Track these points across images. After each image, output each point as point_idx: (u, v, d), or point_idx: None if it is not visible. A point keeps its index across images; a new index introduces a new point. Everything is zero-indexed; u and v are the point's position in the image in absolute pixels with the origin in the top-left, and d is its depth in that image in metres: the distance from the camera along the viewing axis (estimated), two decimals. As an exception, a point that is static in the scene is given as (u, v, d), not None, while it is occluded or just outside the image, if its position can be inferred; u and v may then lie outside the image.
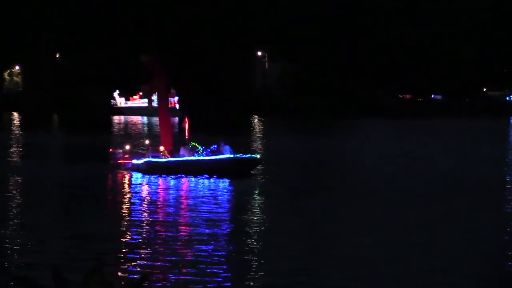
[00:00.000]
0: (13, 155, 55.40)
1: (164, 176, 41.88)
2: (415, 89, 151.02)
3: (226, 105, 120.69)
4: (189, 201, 34.52)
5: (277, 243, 24.69)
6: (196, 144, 43.37)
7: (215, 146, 43.07)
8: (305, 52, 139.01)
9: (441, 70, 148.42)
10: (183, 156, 43.11)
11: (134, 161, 43.89)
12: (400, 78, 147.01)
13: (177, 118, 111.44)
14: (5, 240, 24.61)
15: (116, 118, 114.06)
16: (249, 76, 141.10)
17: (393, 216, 30.11)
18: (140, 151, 48.67)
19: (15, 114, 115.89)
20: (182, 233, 26.25)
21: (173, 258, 22.24)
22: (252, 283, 19.90)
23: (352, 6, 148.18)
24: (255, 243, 24.79)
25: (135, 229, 26.85)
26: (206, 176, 41.47)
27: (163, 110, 47.44)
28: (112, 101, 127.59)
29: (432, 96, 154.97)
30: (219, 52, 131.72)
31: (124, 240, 24.94)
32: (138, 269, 20.86)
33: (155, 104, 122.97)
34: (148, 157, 43.57)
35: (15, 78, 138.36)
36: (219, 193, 36.77)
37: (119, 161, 44.59)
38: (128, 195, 36.42)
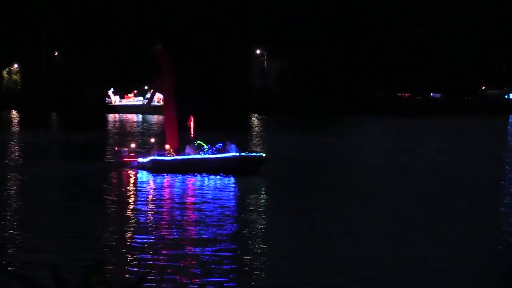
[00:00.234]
0: (12, 154, 55.38)
1: (169, 174, 41.94)
2: (415, 88, 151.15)
3: (226, 105, 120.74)
4: (193, 200, 34.51)
5: (278, 243, 24.68)
6: (201, 142, 43.48)
7: (221, 144, 43.20)
8: (305, 52, 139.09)
9: (441, 70, 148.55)
10: (189, 154, 43.21)
11: (140, 160, 43.92)
12: (400, 78, 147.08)
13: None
14: (5, 239, 24.61)
15: (111, 116, 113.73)
16: (248, 76, 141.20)
17: (393, 216, 30.10)
18: (142, 150, 48.56)
19: (14, 112, 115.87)
20: (185, 233, 26.22)
21: (173, 258, 22.22)
22: (252, 284, 19.89)
23: (352, 6, 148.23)
24: (255, 243, 24.77)
25: (138, 228, 26.84)
26: (212, 174, 41.53)
27: (169, 108, 47.16)
28: (107, 99, 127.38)
29: (431, 94, 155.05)
30: (219, 52, 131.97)
31: (126, 239, 24.92)
32: (137, 269, 20.84)
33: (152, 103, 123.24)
34: (154, 156, 43.62)
35: (13, 76, 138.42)
36: (224, 192, 36.77)
37: (124, 159, 44.59)
38: (133, 194, 36.45)
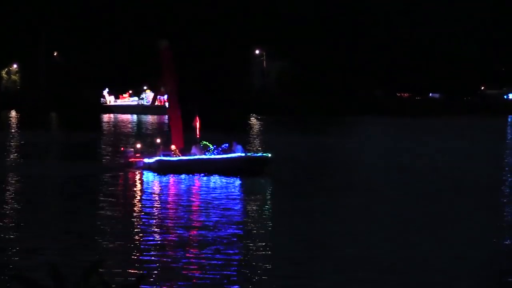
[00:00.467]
0: (12, 154, 55.36)
1: (175, 174, 41.94)
2: (414, 88, 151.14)
3: (225, 105, 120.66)
4: (197, 201, 34.46)
5: (278, 243, 24.68)
6: (207, 143, 43.50)
7: (227, 145, 43.24)
8: (305, 52, 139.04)
9: (441, 70, 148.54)
10: (195, 154, 43.24)
11: (146, 160, 43.93)
12: (400, 78, 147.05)
13: (167, 116, 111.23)
14: (5, 239, 24.60)
15: (106, 117, 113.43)
16: (248, 76, 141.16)
17: (393, 216, 30.09)
18: (148, 150, 48.36)
19: (13, 113, 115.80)
20: (185, 234, 26.19)
21: (173, 259, 22.22)
22: (252, 284, 19.88)
23: (352, 6, 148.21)
24: (255, 243, 24.75)
25: (139, 229, 26.82)
26: (218, 175, 41.53)
27: (174, 108, 46.94)
28: (102, 99, 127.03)
29: (430, 94, 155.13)
30: (219, 52, 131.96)
31: (128, 239, 24.85)
32: (137, 270, 20.83)
33: (144, 102, 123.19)
34: (160, 156, 43.63)
35: (13, 77, 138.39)
36: (228, 192, 36.73)
37: (130, 160, 44.57)
38: (138, 194, 36.47)
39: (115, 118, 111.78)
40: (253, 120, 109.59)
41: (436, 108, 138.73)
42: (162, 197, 35.67)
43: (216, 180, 40.68)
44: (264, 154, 44.54)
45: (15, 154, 55.39)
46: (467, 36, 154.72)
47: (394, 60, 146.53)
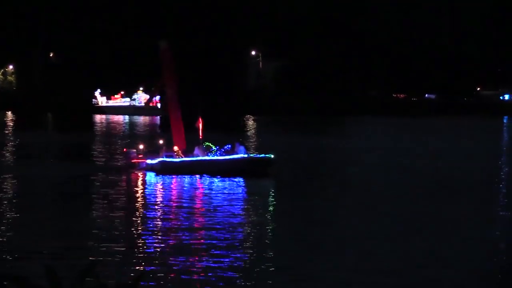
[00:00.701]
0: (11, 154, 55.31)
1: (178, 176, 41.88)
2: (411, 88, 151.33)
3: (222, 105, 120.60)
4: (199, 202, 34.38)
5: (278, 243, 24.66)
6: (210, 144, 43.45)
7: (229, 146, 43.19)
8: (303, 52, 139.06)
9: (438, 70, 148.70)
10: (197, 156, 43.19)
11: (148, 161, 43.88)
12: (397, 78, 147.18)
13: (159, 117, 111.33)
14: (4, 239, 24.59)
15: (98, 118, 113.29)
16: (245, 76, 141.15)
17: (392, 216, 30.06)
18: (150, 150, 48.25)
19: (9, 114, 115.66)
20: (186, 234, 26.11)
21: (174, 259, 22.17)
22: (252, 284, 19.84)
23: (349, 6, 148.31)
24: (255, 243, 24.74)
25: (140, 229, 26.79)
26: (221, 176, 41.46)
27: (174, 109, 46.81)
28: (93, 100, 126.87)
29: (426, 95, 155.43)
30: (216, 53, 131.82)
31: (129, 240, 24.81)
32: (136, 270, 20.79)
33: (136, 103, 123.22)
34: (162, 157, 43.58)
35: (8, 77, 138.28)
36: (231, 193, 36.66)
37: (133, 161, 44.52)
38: (140, 195, 36.39)
39: (107, 119, 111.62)
40: (250, 121, 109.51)
41: (432, 109, 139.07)
42: (165, 198, 35.61)
43: (218, 181, 40.57)
44: (267, 155, 44.48)
45: (14, 155, 55.32)
46: (464, 37, 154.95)
47: (391, 60, 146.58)
